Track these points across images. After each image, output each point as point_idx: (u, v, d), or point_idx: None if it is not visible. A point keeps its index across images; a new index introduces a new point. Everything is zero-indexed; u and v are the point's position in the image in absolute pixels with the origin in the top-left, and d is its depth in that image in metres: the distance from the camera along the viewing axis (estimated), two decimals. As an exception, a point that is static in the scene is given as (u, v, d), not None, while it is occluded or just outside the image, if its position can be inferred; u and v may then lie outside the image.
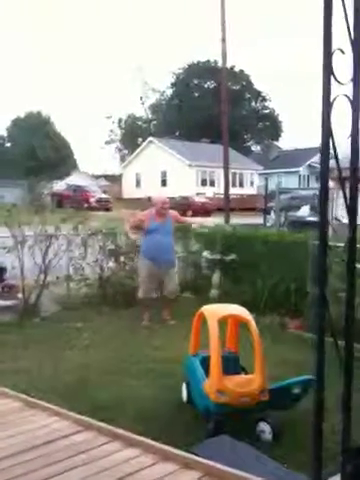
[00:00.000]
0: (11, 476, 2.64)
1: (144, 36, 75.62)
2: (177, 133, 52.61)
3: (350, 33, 1.96)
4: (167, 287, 6.94)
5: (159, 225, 6.78)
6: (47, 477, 2.63)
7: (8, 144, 53.14)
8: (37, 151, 48.75)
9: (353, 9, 1.95)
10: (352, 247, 2.09)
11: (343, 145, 2.07)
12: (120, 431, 3.12)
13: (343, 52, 1.94)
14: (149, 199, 7.39)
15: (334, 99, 1.93)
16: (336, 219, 8.46)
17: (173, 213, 7.12)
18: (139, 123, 60.31)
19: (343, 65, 2.02)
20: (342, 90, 1.97)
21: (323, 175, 1.98)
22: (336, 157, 2.01)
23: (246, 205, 31.44)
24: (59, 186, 36.78)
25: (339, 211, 9.06)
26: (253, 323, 3.88)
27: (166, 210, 6.90)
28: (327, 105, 1.93)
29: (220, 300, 7.25)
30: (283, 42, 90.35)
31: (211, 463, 2.61)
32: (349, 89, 1.99)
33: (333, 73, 1.93)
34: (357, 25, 1.95)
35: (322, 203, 2.02)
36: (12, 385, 4.30)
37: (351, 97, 1.97)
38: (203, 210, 30.22)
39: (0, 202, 6.83)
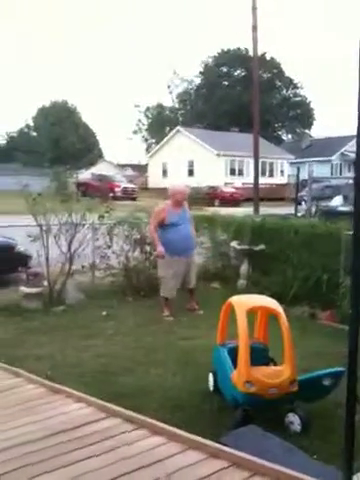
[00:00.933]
0: (35, 461, 2.63)
1: (173, 24, 75.41)
2: (205, 122, 52.25)
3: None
4: (190, 277, 6.75)
5: (178, 216, 6.57)
6: (71, 462, 2.61)
7: (34, 133, 53.60)
8: (62, 140, 49.09)
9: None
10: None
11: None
12: (146, 418, 3.08)
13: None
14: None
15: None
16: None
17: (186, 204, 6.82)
18: (167, 112, 60.11)
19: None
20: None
21: (358, 163, 1.88)
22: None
23: (275, 195, 31.01)
24: (84, 175, 36.93)
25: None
26: (283, 314, 3.79)
27: (182, 201, 6.64)
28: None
29: (248, 290, 7.15)
30: (317, 28, 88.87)
31: (238, 453, 2.55)
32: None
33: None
34: None
35: (357, 192, 1.92)
36: (37, 371, 4.31)
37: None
38: (231, 200, 30.01)
39: (26, 190, 6.85)
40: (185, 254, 6.59)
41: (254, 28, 16.97)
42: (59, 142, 48.85)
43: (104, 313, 6.68)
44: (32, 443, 2.83)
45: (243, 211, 12.71)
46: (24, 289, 6.93)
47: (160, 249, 6.51)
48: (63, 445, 2.80)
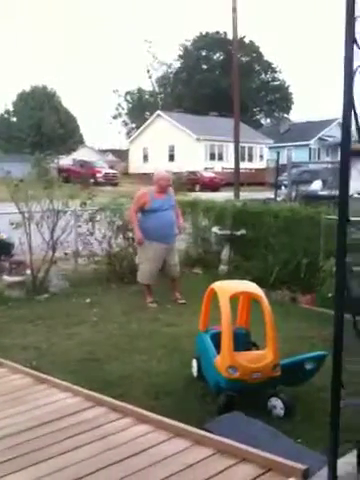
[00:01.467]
0: (22, 452, 2.64)
1: (151, 7, 74.33)
2: (185, 106, 51.96)
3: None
4: (170, 265, 6.66)
5: (161, 202, 6.50)
6: (59, 453, 2.62)
7: (14, 119, 52.75)
8: (43, 126, 48.41)
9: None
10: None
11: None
12: (131, 407, 3.11)
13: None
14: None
15: (357, 68, 1.83)
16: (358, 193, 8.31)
17: (171, 191, 6.75)
18: (146, 96, 59.57)
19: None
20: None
21: (344, 147, 1.90)
22: (358, 129, 1.92)
23: (255, 179, 31.22)
24: (66, 161, 36.60)
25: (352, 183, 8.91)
26: (265, 299, 3.83)
27: (167, 188, 6.57)
28: (349, 74, 1.84)
29: (230, 276, 7.21)
30: (293, 10, 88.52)
31: (224, 440, 2.59)
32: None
33: (356, 41, 1.83)
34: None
35: (342, 175, 1.95)
36: (22, 361, 4.31)
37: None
38: (211, 185, 30.06)
39: (8, 177, 6.75)
40: (165, 240, 6.52)
41: (234, 10, 16.87)
42: (40, 128, 48.12)
43: (88, 300, 6.69)
44: (19, 434, 2.84)
45: (223, 196, 12.72)
46: (7, 278, 6.89)
47: (139, 235, 6.48)
48: (50, 436, 2.82)
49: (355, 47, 1.85)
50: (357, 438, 2.14)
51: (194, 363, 4.28)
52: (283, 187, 14.14)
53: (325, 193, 12.65)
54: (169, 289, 6.87)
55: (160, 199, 6.52)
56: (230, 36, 17.78)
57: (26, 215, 6.96)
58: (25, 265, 7.06)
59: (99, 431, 2.85)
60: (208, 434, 2.67)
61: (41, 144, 43.09)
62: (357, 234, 2.21)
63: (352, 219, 1.95)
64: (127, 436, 2.77)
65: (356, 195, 8.26)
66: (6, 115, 53.73)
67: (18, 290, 6.82)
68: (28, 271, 7.03)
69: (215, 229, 8.24)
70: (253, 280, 4.86)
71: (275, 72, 57.56)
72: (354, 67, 1.84)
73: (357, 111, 1.93)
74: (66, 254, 7.68)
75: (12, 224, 6.88)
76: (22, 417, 3.08)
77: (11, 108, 53.51)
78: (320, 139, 42.79)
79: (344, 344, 2.00)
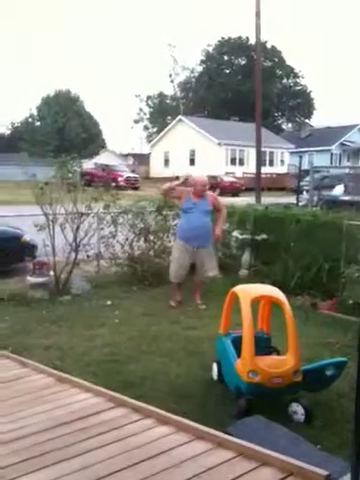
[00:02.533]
0: (44, 451, 2.66)
1: (174, 12, 74.62)
2: (206, 111, 51.98)
3: None
4: (202, 270, 6.71)
5: (195, 204, 6.59)
6: (80, 453, 2.64)
7: (38, 123, 53.46)
8: (66, 130, 48.96)
9: None
10: None
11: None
12: (153, 408, 3.12)
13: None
14: (177, 178, 7.36)
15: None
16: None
17: (211, 194, 6.91)
18: (168, 101, 59.78)
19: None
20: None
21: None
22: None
23: (276, 184, 31.06)
24: (88, 165, 36.91)
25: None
26: (287, 304, 3.83)
27: (204, 192, 6.70)
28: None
29: (250, 280, 7.20)
30: (318, 17, 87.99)
31: (245, 443, 2.58)
32: None
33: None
34: None
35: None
36: (45, 361, 4.37)
37: None
38: (231, 189, 29.96)
39: (33, 180, 6.87)
40: (191, 242, 6.55)
41: (257, 14, 16.81)
42: (63, 131, 48.68)
43: (109, 302, 6.74)
44: (41, 433, 2.87)
45: (243, 200, 12.71)
46: (30, 279, 6.98)
47: (175, 182, 6.73)
48: (72, 435, 2.84)
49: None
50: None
51: (214, 366, 4.29)
52: (305, 192, 14.04)
53: (347, 198, 12.55)
54: (192, 291, 6.89)
55: (194, 201, 6.63)
56: (252, 41, 17.82)
57: (50, 217, 7.04)
58: (48, 266, 7.14)
59: (120, 432, 2.87)
60: (230, 437, 2.67)
61: (64, 148, 43.56)
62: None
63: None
64: (148, 437, 2.78)
65: None
66: (30, 119, 54.48)
67: (41, 291, 6.90)
68: (51, 272, 7.11)
69: (236, 233, 8.23)
70: (273, 285, 4.85)
71: (297, 77, 57.28)
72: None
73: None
74: (89, 256, 7.75)
75: (36, 226, 6.97)
76: (44, 416, 3.11)
77: (35, 112, 54.26)
78: (342, 144, 42.46)
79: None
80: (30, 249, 8.00)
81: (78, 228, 7.23)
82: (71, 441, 2.78)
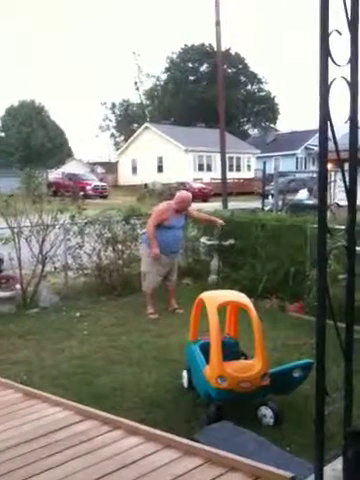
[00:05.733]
0: (14, 467, 2.64)
1: (138, 20, 74.86)
2: (172, 118, 52.21)
3: (347, 13, 1.91)
4: (172, 277, 6.89)
5: (177, 220, 6.74)
6: (50, 467, 2.63)
7: (2, 134, 52.75)
8: (31, 140, 48.44)
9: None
10: (352, 230, 2.07)
11: (340, 126, 2.05)
12: (122, 419, 3.12)
13: (340, 33, 1.90)
14: (145, 186, 7.33)
15: (332, 81, 1.89)
16: (337, 204, 8.41)
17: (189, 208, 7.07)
18: (134, 109, 59.82)
19: (341, 46, 1.97)
20: (340, 72, 1.93)
21: (322, 158, 1.95)
22: (334, 139, 1.97)
23: (243, 189, 31.48)
24: (55, 175, 36.61)
25: (338, 194, 9.02)
26: (253, 309, 3.87)
27: (186, 209, 6.86)
28: (325, 87, 1.90)
29: (219, 286, 7.26)
30: (278, 24, 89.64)
31: (213, 449, 2.61)
32: (347, 71, 1.95)
33: (330, 55, 1.89)
34: (354, 5, 1.90)
35: (321, 187, 2.00)
36: (12, 376, 4.31)
37: (349, 79, 1.94)
38: (201, 195, 30.16)
39: (-4, 192, 6.87)
40: (171, 255, 6.76)
41: (217, 23, 17.01)
42: (28, 142, 48.14)
43: (78, 314, 6.69)
44: (10, 450, 2.84)
45: (212, 206, 12.80)
46: (-4, 293, 6.87)
47: (156, 251, 6.58)
48: (41, 450, 2.82)
49: (330, 61, 1.92)
50: (342, 444, 2.17)
51: (184, 374, 4.30)
52: (270, 197, 14.25)
53: (311, 202, 12.78)
54: (165, 300, 6.90)
55: (176, 217, 6.75)
56: (216, 48, 17.94)
57: (15, 230, 6.96)
58: (15, 280, 7.06)
59: (90, 444, 2.86)
60: (197, 444, 2.69)
61: (30, 158, 43.12)
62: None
63: (330, 227, 1.99)
64: (117, 448, 2.78)
65: (334, 206, 8.37)
66: (-6, 131, 53.65)
67: (8, 305, 6.80)
68: (18, 286, 7.02)
69: (204, 239, 8.28)
70: (242, 289, 4.91)
71: (261, 83, 58.11)
72: (329, 81, 1.90)
73: (334, 123, 1.99)
74: (56, 268, 7.68)
75: (1, 240, 6.87)
76: (12, 432, 3.08)
77: (0, 123, 53.53)
78: (306, 148, 43.22)
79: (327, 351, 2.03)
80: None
81: (44, 240, 7.17)
82: (40, 456, 2.76)
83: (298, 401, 3.90)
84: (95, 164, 48.42)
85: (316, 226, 2.06)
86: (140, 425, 3.00)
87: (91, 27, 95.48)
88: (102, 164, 48.83)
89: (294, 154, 43.16)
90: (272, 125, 56.67)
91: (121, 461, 2.62)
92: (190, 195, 7.02)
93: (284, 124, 63.01)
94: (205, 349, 3.91)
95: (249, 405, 3.75)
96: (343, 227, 2.18)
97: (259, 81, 57.90)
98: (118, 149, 49.40)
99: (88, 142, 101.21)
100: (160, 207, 6.86)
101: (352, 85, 1.94)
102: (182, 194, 6.99)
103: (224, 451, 2.53)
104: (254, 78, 57.53)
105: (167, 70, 57.30)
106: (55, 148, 49.76)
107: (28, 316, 6.67)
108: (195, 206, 11.71)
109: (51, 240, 7.25)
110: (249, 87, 58.20)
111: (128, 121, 57.09)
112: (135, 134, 44.00)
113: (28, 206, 7.16)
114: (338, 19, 1.97)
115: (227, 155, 18.13)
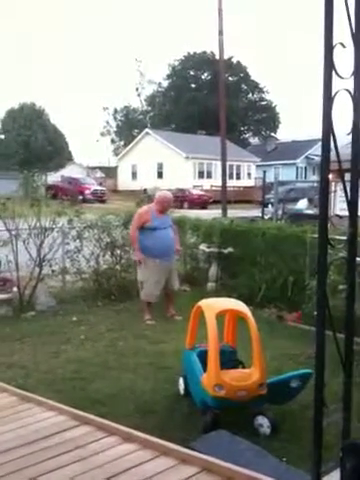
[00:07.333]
0: (7, 471, 2.62)
1: (141, 27, 75.14)
2: (173, 125, 52.36)
3: (351, 27, 1.92)
4: (171, 282, 6.77)
5: (161, 220, 6.65)
6: (43, 472, 2.61)
7: (2, 136, 52.72)
8: (31, 143, 48.44)
9: (354, 2, 1.91)
10: (353, 241, 2.07)
11: (341, 136, 2.05)
12: (117, 426, 3.11)
13: (344, 46, 1.91)
14: (144, 191, 7.37)
15: (335, 94, 1.90)
16: (337, 215, 8.43)
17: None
18: (135, 115, 59.95)
19: (344, 59, 1.99)
20: (343, 84, 1.94)
21: (323, 169, 1.96)
22: (336, 150, 1.98)
23: (243, 197, 31.55)
24: (54, 178, 36.62)
25: (338, 204, 9.04)
26: (251, 318, 3.86)
27: (168, 208, 6.79)
28: (328, 100, 1.90)
29: (217, 293, 7.25)
30: (283, 35, 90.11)
31: (209, 458, 2.60)
32: (350, 83, 1.96)
33: (334, 67, 1.90)
34: (359, 18, 1.91)
35: (322, 197, 2.00)
36: (8, 379, 4.29)
37: (352, 91, 1.94)
38: (200, 202, 30.22)
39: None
40: (165, 258, 6.59)
41: (220, 32, 17.11)
42: (28, 145, 48.14)
43: (75, 318, 6.66)
44: (5, 453, 2.83)
45: (211, 213, 12.82)
46: (-7, 296, 6.85)
47: (140, 255, 6.54)
48: (35, 455, 2.80)
49: (333, 73, 1.92)
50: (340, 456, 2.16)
51: (181, 381, 4.29)
52: (270, 205, 14.26)
53: (311, 212, 12.79)
54: (163, 306, 6.87)
55: (160, 218, 6.66)
56: (217, 56, 18.04)
57: (13, 233, 6.95)
58: (12, 283, 7.04)
59: (85, 450, 2.85)
60: (194, 452, 2.68)
61: (29, 161, 43.09)
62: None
63: (331, 237, 2.00)
64: (113, 455, 2.76)
65: (334, 217, 8.38)
66: (-6, 133, 53.62)
67: (5, 308, 6.78)
68: (15, 289, 7.00)
69: (203, 246, 8.28)
70: (240, 298, 4.91)
71: (262, 92, 58.31)
72: (332, 93, 1.91)
73: (336, 134, 2.00)
74: (53, 271, 7.66)
75: (-1, 241, 6.87)
76: (8, 436, 3.06)
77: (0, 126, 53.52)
78: (307, 158, 43.33)
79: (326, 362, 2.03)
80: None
81: (42, 243, 7.15)
82: (34, 461, 2.75)
83: (296, 411, 3.88)
84: (95, 168, 48.49)
85: (316, 236, 2.06)
86: (136, 432, 2.99)
87: (92, 31, 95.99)
88: (102, 169, 48.89)
89: (294, 163, 43.26)
90: (273, 134, 56.80)
91: (116, 468, 2.61)
92: (170, 194, 6.98)
93: (285, 133, 63.19)
94: (202, 357, 3.89)
95: (246, 414, 3.73)
96: (344, 238, 2.18)
97: (260, 90, 58.12)
98: (117, 154, 49.43)
99: (89, 147, 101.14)
100: (140, 210, 6.87)
101: (355, 98, 1.95)
102: (161, 194, 6.94)
103: (221, 460, 2.52)
104: (255, 87, 57.75)
105: (169, 77, 57.51)
106: (55, 151, 49.72)
107: (25, 319, 6.64)
108: (193, 213, 11.74)
109: (49, 243, 7.23)
110: (250, 96, 58.43)
111: (129, 127, 57.20)
112: (136, 140, 44.10)
113: (26, 209, 7.15)
114: (342, 31, 1.98)
115: (227, 163, 18.18)
